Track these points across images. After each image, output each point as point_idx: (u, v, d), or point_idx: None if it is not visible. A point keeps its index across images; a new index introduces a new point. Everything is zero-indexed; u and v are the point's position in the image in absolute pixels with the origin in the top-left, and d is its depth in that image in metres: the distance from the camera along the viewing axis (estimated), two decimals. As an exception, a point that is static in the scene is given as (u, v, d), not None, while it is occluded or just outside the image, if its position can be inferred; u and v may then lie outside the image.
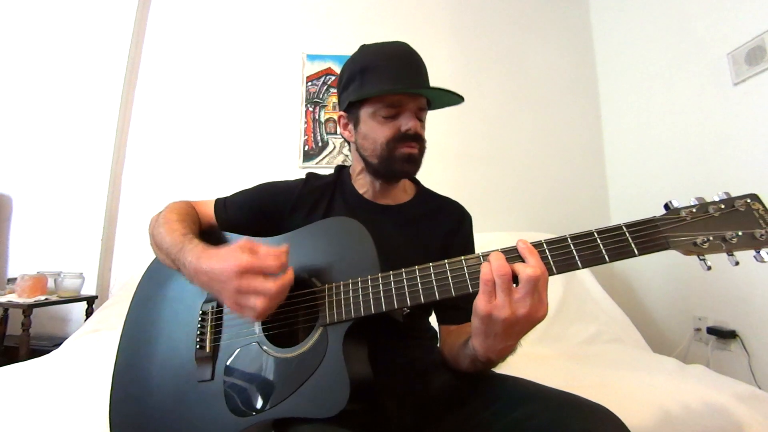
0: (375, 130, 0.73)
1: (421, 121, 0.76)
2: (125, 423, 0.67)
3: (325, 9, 2.26)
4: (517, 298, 0.48)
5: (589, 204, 2.17)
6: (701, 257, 0.49)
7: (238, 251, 0.56)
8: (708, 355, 1.51)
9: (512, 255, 0.51)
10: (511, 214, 2.12)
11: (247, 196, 0.83)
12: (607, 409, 0.52)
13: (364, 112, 0.74)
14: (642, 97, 1.96)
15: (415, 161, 0.75)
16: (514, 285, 0.49)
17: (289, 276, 0.56)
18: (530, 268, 0.48)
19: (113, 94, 2.09)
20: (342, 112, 0.80)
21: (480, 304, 0.50)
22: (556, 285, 1.64)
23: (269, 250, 0.57)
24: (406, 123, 0.71)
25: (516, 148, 2.21)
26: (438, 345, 0.77)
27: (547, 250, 0.51)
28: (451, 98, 0.74)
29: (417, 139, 0.73)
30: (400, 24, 2.26)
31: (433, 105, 0.79)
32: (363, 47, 0.78)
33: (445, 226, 0.81)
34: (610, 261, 0.49)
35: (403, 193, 0.84)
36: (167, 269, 0.75)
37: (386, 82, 0.71)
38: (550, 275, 0.50)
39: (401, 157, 0.73)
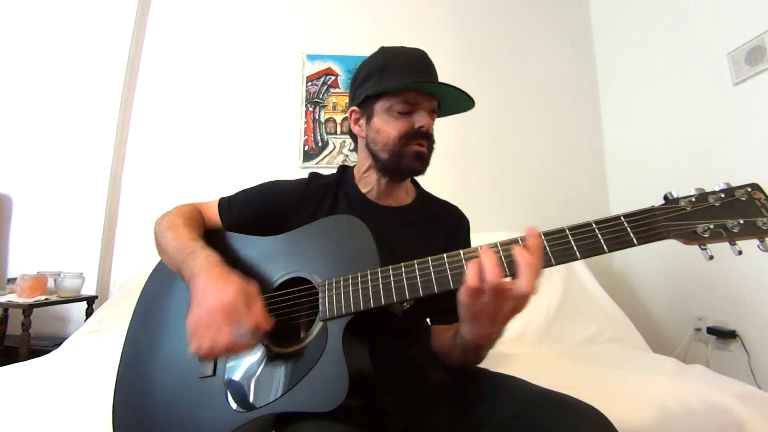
0: (389, 123, 0.75)
1: (433, 120, 0.78)
2: (128, 418, 0.67)
3: (325, 9, 2.26)
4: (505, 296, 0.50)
5: (589, 204, 2.17)
6: (703, 247, 0.48)
7: (235, 294, 0.57)
8: (708, 355, 1.51)
9: (507, 252, 0.51)
10: (511, 213, 2.12)
11: (250, 194, 0.83)
12: (595, 409, 0.52)
13: (380, 106, 0.76)
14: (642, 97, 1.96)
15: (425, 160, 0.76)
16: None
17: (246, 345, 0.57)
18: (521, 284, 0.48)
19: (113, 94, 2.08)
20: (355, 107, 0.81)
21: (463, 297, 0.52)
22: (556, 285, 1.64)
23: (258, 311, 0.57)
24: (420, 120, 0.73)
25: (516, 148, 2.21)
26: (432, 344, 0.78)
27: (545, 242, 0.51)
28: (460, 104, 0.78)
29: (428, 138, 0.75)
30: (399, 24, 2.26)
31: (441, 111, 0.81)
32: (384, 48, 0.81)
33: (443, 230, 0.82)
34: (609, 251, 0.49)
35: (405, 195, 0.85)
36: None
37: (407, 78, 0.74)
38: (549, 266, 0.50)
39: (411, 153, 0.74)
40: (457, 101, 0.78)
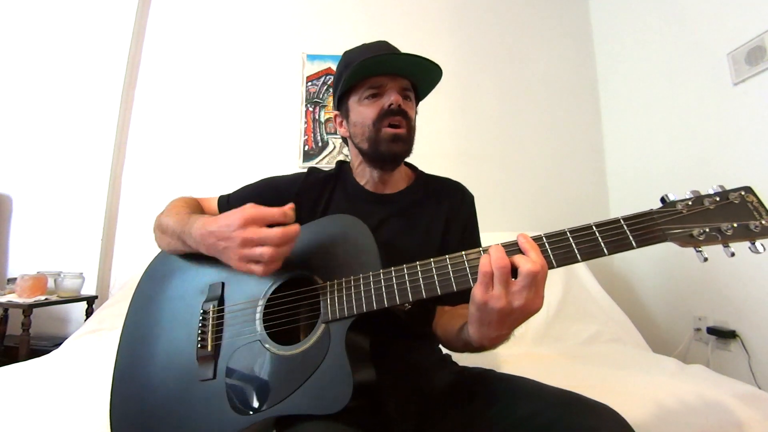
0: (362, 113, 0.77)
1: (409, 100, 0.78)
2: (126, 423, 0.67)
3: (325, 9, 2.26)
4: (514, 290, 0.49)
5: (589, 204, 2.17)
6: (698, 249, 0.49)
7: (243, 208, 0.60)
8: (708, 355, 1.51)
9: (512, 249, 0.52)
10: (512, 214, 2.12)
11: (249, 190, 0.84)
12: (611, 408, 0.53)
13: (352, 102, 0.79)
14: (642, 97, 1.96)
15: (402, 140, 0.76)
16: (514, 278, 0.50)
17: (294, 227, 0.59)
18: (530, 262, 0.49)
19: (113, 94, 2.09)
20: (337, 112, 0.85)
21: (477, 293, 0.51)
22: (556, 285, 1.64)
23: (274, 208, 0.59)
24: (389, 98, 0.74)
25: (516, 148, 2.21)
26: (433, 326, 0.78)
27: (546, 244, 0.52)
28: (429, 74, 0.77)
29: (402, 115, 0.75)
30: (399, 24, 2.26)
31: (420, 90, 0.82)
32: (346, 51, 0.83)
33: (445, 206, 0.82)
34: (609, 253, 0.49)
35: (402, 182, 0.86)
36: (167, 269, 0.76)
37: (364, 64, 0.74)
38: (550, 269, 0.50)
39: (387, 138, 0.75)
40: (425, 72, 0.78)
